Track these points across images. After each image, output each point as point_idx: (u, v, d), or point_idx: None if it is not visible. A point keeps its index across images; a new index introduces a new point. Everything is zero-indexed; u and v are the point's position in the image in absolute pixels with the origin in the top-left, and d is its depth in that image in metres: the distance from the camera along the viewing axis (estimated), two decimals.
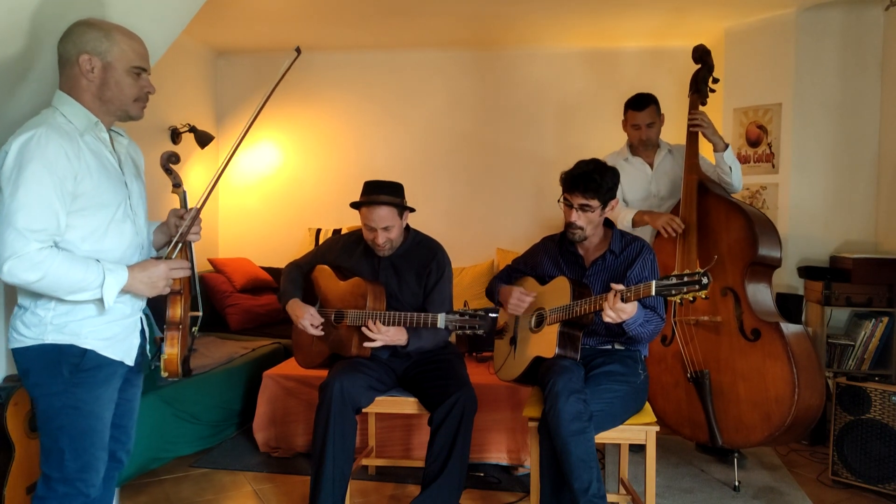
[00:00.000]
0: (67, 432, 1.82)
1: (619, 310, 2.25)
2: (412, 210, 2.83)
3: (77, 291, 1.74)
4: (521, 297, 2.65)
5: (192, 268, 1.98)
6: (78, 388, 1.81)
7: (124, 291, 1.82)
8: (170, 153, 2.08)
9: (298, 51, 2.17)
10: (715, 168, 3.31)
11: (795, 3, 3.99)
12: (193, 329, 2.04)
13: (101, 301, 1.78)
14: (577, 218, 2.52)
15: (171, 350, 1.94)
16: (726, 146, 3.23)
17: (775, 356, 2.91)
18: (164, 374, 1.95)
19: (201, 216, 2.01)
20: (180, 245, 1.96)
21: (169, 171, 2.07)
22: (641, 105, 3.42)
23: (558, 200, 2.59)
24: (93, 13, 1.98)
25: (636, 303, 2.28)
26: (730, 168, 3.24)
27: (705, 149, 3.37)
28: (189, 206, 2.03)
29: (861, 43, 4.03)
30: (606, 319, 2.29)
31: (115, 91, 1.83)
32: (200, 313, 2.03)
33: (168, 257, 1.94)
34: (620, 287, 2.26)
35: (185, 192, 2.05)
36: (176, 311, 1.96)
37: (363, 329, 2.66)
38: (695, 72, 3.41)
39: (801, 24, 4.07)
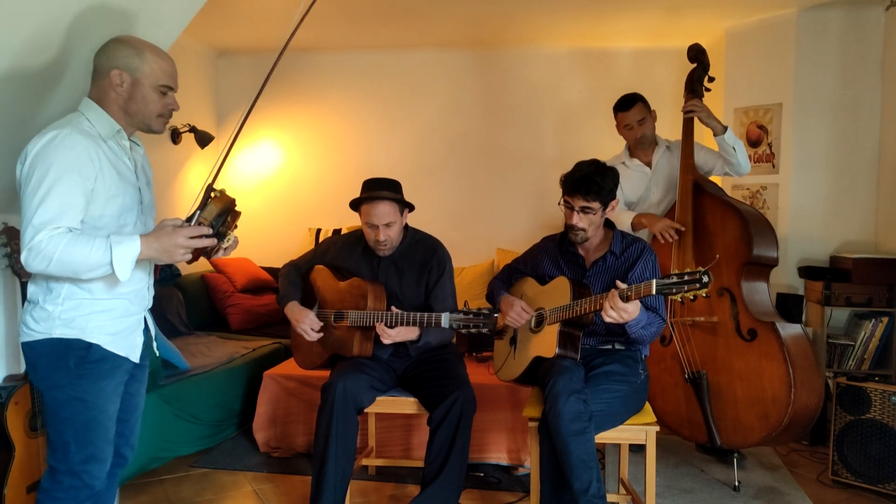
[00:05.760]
0: (72, 424, 1.86)
1: (620, 309, 2.24)
2: (412, 208, 2.83)
3: (88, 270, 1.76)
4: (520, 313, 2.64)
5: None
6: (82, 379, 1.85)
7: (142, 259, 1.82)
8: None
9: None
10: (719, 154, 3.28)
11: (795, 3, 3.99)
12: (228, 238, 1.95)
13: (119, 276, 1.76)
14: (579, 220, 2.52)
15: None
16: (725, 128, 3.19)
17: (771, 356, 2.92)
18: None
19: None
20: (207, 202, 1.87)
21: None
22: (627, 105, 3.40)
23: (559, 203, 2.59)
24: (122, 27, 2.10)
25: (639, 304, 2.28)
26: (733, 149, 3.20)
27: (707, 139, 3.34)
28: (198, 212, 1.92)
29: (861, 43, 4.03)
30: (608, 319, 2.28)
31: (140, 105, 1.90)
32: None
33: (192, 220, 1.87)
34: (623, 286, 2.26)
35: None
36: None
37: (382, 338, 2.64)
38: (690, 71, 3.40)
39: (802, 24, 4.07)
